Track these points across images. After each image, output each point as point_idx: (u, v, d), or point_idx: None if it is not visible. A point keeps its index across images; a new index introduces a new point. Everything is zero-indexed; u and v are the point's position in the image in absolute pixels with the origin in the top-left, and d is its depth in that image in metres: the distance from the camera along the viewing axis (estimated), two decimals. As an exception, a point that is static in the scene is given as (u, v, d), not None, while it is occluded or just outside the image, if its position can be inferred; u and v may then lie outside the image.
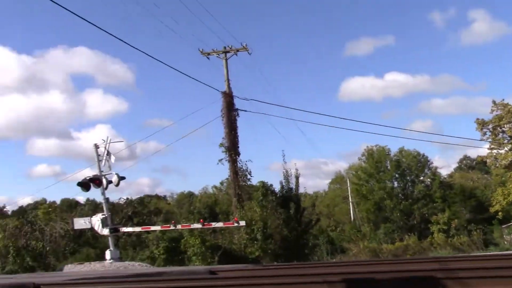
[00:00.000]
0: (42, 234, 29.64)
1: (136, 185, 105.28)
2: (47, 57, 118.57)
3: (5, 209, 71.40)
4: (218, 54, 31.24)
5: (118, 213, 31.19)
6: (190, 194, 68.74)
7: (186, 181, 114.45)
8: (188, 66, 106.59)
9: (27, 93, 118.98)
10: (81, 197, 56.86)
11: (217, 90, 30.27)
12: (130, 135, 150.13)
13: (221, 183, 56.27)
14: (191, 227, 22.89)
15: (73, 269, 19.17)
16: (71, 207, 49.40)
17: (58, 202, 58.78)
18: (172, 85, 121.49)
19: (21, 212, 53.40)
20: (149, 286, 6.74)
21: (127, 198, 38.19)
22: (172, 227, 21.84)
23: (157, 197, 66.17)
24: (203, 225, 21.55)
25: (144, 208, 37.97)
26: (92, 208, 39.48)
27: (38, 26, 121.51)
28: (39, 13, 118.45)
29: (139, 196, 52.79)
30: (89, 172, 20.48)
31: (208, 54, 31.31)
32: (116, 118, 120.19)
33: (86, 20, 11.37)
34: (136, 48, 25.78)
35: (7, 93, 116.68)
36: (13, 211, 64.48)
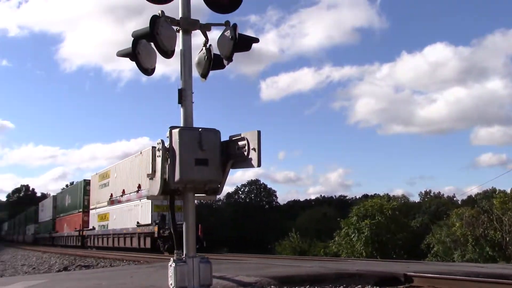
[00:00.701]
0: (499, 224, 28.45)
1: None
2: (484, 43, 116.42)
3: (454, 199, 73.67)
4: None
5: None
6: None
7: None
8: None
9: (466, 83, 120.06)
10: (533, 186, 52.39)
11: None
12: None
13: None
14: None
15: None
16: (523, 196, 46.00)
17: (507, 191, 55.99)
18: None
19: (471, 201, 53.46)
20: None
21: None
22: None
23: None
24: None
25: None
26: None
27: (471, 14, 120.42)
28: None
29: None
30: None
31: None
32: None
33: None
34: None
35: (448, 86, 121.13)
36: (462, 200, 65.62)
